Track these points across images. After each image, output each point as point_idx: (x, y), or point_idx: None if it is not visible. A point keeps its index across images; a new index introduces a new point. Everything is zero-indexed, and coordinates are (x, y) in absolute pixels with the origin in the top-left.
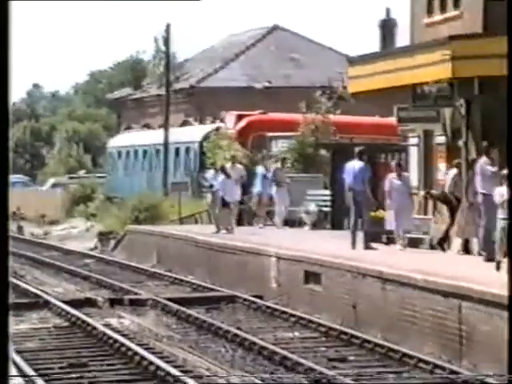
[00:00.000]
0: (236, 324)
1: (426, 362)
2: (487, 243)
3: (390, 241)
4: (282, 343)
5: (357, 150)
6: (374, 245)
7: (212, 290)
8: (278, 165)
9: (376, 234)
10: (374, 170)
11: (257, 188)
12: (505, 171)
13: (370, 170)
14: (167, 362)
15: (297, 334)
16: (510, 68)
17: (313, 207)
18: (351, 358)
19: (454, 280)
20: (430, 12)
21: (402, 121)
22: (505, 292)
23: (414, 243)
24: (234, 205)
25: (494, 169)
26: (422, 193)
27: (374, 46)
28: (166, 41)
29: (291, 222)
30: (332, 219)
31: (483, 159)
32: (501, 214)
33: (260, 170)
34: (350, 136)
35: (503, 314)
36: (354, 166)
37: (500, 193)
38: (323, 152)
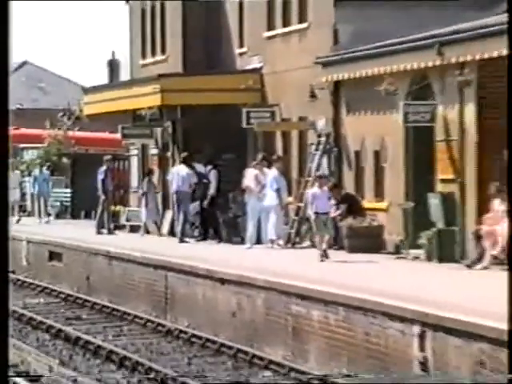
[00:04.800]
0: None
1: (141, 318)
2: (181, 227)
3: (117, 228)
4: (30, 308)
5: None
6: (103, 231)
7: None
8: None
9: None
10: (112, 173)
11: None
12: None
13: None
14: None
15: (42, 300)
16: (509, 68)
17: (56, 202)
18: (84, 316)
19: (161, 256)
20: (144, 55)
21: (125, 137)
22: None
23: (134, 229)
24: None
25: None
26: (141, 191)
27: (104, 79)
28: None
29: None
30: (72, 211)
31: (182, 165)
32: (310, 209)
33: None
34: (86, 147)
35: (197, 281)
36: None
37: (312, 193)
38: (65, 160)
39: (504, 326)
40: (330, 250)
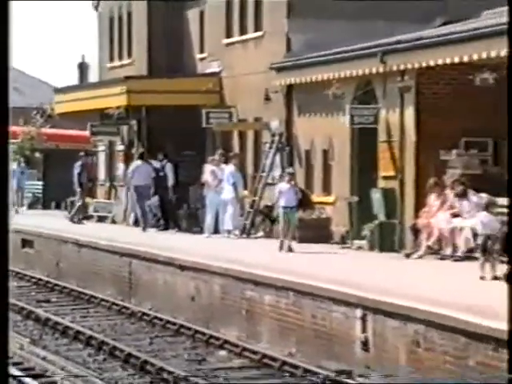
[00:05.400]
0: None
1: (106, 301)
2: (143, 218)
3: (86, 218)
4: None
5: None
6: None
7: None
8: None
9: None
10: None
11: None
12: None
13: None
14: None
15: (14, 283)
16: (509, 68)
17: (28, 193)
18: (54, 299)
19: (126, 244)
20: (111, 59)
21: (93, 134)
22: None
23: (101, 219)
24: None
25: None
26: (107, 184)
27: (74, 80)
28: None
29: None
30: (43, 202)
31: (139, 161)
32: (282, 202)
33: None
34: (57, 143)
35: (159, 267)
36: None
37: (280, 188)
38: (37, 154)
39: (436, 309)
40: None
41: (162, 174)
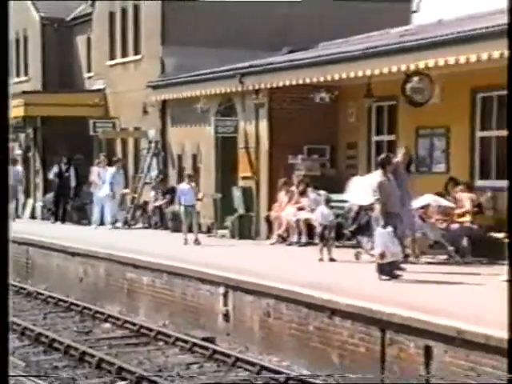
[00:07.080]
0: None
1: (13, 286)
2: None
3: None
4: None
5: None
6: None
7: None
8: None
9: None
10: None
11: None
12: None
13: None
14: None
15: None
16: (509, 69)
17: None
18: None
19: (25, 234)
20: (10, 76)
21: None
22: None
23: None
24: None
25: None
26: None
27: None
28: None
29: None
30: None
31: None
32: (183, 201)
33: None
34: None
35: (53, 254)
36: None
37: (181, 188)
38: None
39: (283, 286)
40: (157, 230)
41: (67, 174)
